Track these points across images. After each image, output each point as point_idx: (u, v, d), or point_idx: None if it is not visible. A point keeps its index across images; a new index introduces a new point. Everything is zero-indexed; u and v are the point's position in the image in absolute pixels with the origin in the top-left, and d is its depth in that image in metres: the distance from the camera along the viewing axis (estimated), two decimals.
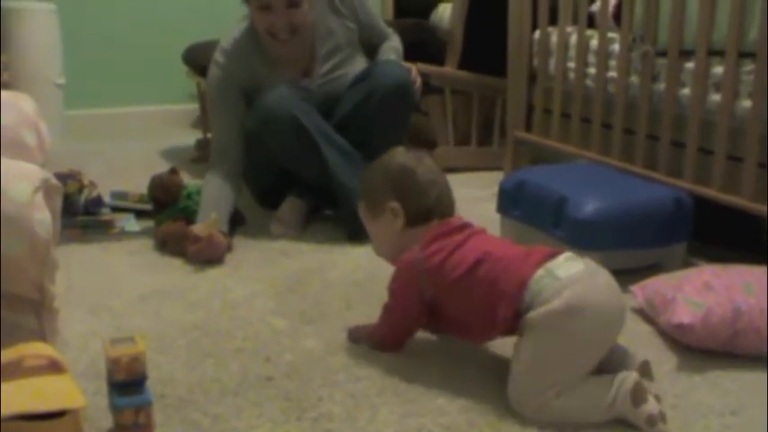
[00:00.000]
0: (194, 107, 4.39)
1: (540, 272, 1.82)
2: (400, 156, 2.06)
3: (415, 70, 3.08)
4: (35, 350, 1.63)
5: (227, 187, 2.88)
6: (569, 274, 1.81)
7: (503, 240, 2.02)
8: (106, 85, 4.52)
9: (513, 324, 1.84)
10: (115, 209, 3.02)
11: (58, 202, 1.91)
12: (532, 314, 1.79)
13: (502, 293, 1.84)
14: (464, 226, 2.01)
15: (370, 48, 3.17)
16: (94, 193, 2.95)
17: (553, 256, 1.87)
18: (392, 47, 3.20)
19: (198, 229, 2.66)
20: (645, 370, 1.85)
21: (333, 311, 2.31)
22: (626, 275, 2.43)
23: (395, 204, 2.01)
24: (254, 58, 3.00)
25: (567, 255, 1.88)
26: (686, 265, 2.55)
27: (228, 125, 2.99)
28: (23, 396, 1.51)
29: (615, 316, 1.83)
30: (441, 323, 2.03)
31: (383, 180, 2.04)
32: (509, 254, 1.89)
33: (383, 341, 2.07)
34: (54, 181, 1.87)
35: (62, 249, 2.61)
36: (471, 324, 1.93)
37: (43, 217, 1.76)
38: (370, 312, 2.11)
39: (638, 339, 2.18)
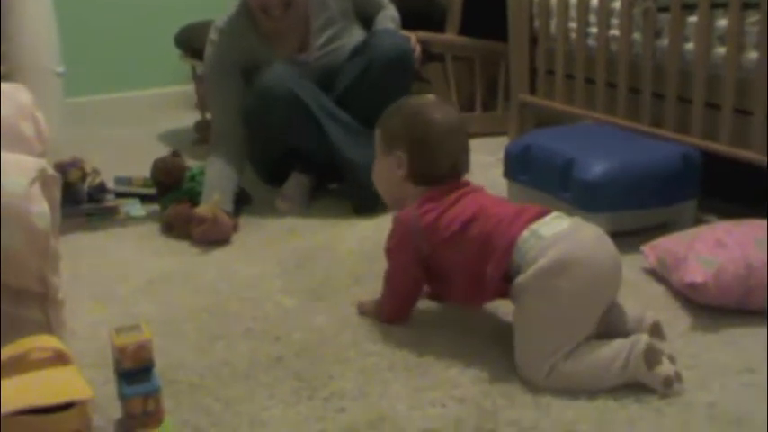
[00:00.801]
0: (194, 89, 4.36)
1: (526, 233, 1.81)
2: (429, 108, 2.02)
3: (414, 38, 3.05)
4: (40, 343, 1.61)
5: (230, 168, 2.86)
6: (554, 233, 1.80)
7: (498, 199, 2.00)
8: (104, 70, 4.49)
9: (504, 286, 1.83)
10: (119, 195, 3.00)
11: (57, 193, 1.89)
12: (521, 278, 1.78)
13: (491, 252, 1.83)
14: (461, 185, 2.00)
15: (366, 19, 3.13)
16: (98, 180, 2.93)
17: (542, 215, 1.85)
18: (389, 16, 3.16)
19: (202, 210, 2.65)
20: (656, 331, 1.83)
21: (342, 287, 2.30)
22: (637, 236, 2.42)
23: (402, 155, 1.99)
24: (249, 35, 2.97)
25: (555, 214, 1.87)
26: (697, 222, 2.53)
27: (228, 105, 2.97)
28: (30, 390, 1.49)
29: (606, 269, 1.81)
30: (437, 285, 2.03)
31: (403, 126, 2.01)
32: (501, 212, 1.88)
33: (389, 312, 2.06)
34: (51, 171, 1.85)
35: (67, 238, 2.63)
36: (463, 284, 1.92)
37: (41, 209, 1.74)
38: (378, 285, 2.09)
39: (651, 300, 2.16)
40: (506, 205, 1.95)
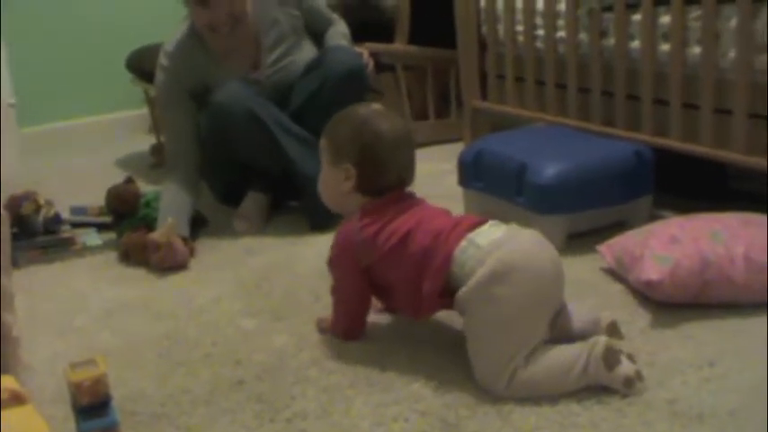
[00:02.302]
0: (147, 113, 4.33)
1: (464, 243, 1.82)
2: (376, 119, 2.01)
3: (366, 53, 3.06)
4: None
5: (185, 192, 2.84)
6: (490, 240, 1.81)
7: (439, 211, 1.99)
8: (56, 99, 4.44)
9: (447, 299, 1.83)
10: (75, 225, 2.96)
11: (6, 230, 1.86)
12: (463, 291, 1.79)
13: (428, 266, 1.83)
14: (404, 197, 2.00)
15: (316, 34, 3.13)
16: (52, 212, 2.89)
17: (479, 224, 1.86)
18: (339, 32, 3.16)
19: (156, 236, 2.63)
20: (614, 330, 1.85)
21: (301, 306, 2.29)
22: (593, 236, 2.43)
23: (350, 168, 1.98)
24: (199, 57, 2.95)
25: (492, 222, 1.88)
26: (653, 218, 2.54)
27: (180, 129, 2.95)
28: None
29: (546, 271, 1.81)
30: (382, 297, 2.04)
31: (351, 138, 1.99)
32: (438, 226, 1.88)
33: (341, 327, 2.06)
34: None
35: (24, 272, 2.62)
36: (405, 298, 1.93)
37: None
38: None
39: (610, 299, 2.18)
40: (446, 218, 1.95)
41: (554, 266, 1.82)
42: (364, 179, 1.98)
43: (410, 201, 2.00)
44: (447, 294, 1.83)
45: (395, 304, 2.04)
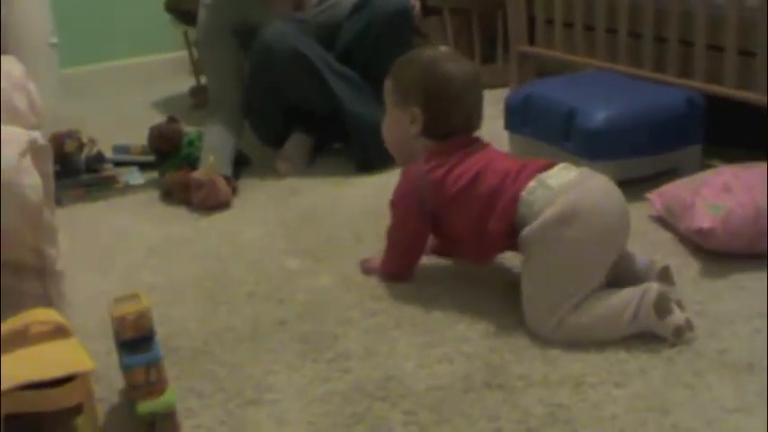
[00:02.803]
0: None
1: (533, 183, 1.79)
2: (444, 61, 1.96)
3: None
4: (39, 317, 1.58)
5: (228, 131, 2.82)
6: (561, 182, 1.77)
7: (505, 155, 1.97)
8: (96, 40, 4.42)
9: (511, 240, 1.81)
10: (118, 163, 2.97)
11: (49, 164, 1.85)
12: (528, 230, 1.76)
13: (495, 207, 1.81)
14: (471, 141, 1.97)
15: None
16: (95, 150, 2.90)
17: (549, 167, 1.82)
18: None
19: (199, 175, 2.62)
20: (666, 276, 1.81)
21: (345, 246, 2.27)
22: (642, 183, 2.39)
23: (417, 111, 1.95)
24: None
25: (562, 165, 1.84)
26: (704, 167, 2.47)
27: (223, 69, 2.94)
28: (30, 365, 1.47)
29: (615, 218, 1.78)
30: (444, 241, 2.01)
31: (418, 80, 1.95)
32: (506, 168, 1.85)
33: (392, 269, 2.04)
34: (42, 142, 1.81)
35: (67, 210, 2.62)
36: (470, 241, 1.90)
37: (33, 180, 1.71)
38: (382, 243, 2.06)
39: (659, 247, 2.14)
40: (513, 161, 1.91)
41: (622, 213, 1.79)
42: (431, 122, 1.94)
43: (477, 144, 1.96)
44: (513, 234, 1.80)
45: (457, 249, 2.00)
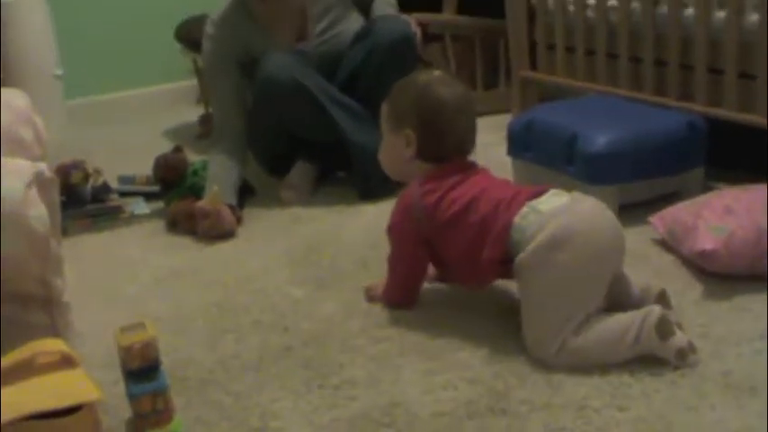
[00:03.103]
0: (195, 83, 4.33)
1: (525, 209, 1.80)
2: (438, 85, 2.00)
3: (414, 22, 3.02)
4: (46, 347, 1.59)
5: (232, 161, 2.84)
6: (552, 207, 1.79)
7: (500, 181, 1.98)
8: (104, 70, 4.46)
9: (506, 266, 1.81)
10: (123, 194, 2.99)
11: (55, 195, 1.87)
12: (522, 255, 1.77)
13: (488, 234, 1.82)
14: (466, 165, 1.99)
15: (362, 5, 3.10)
16: (100, 181, 2.92)
17: (540, 193, 1.84)
18: (387, 1, 3.14)
19: (204, 204, 2.63)
20: (663, 300, 1.81)
21: (349, 274, 2.28)
22: (645, 207, 2.40)
23: (411, 133, 1.97)
24: (246, 26, 2.94)
25: (554, 191, 1.86)
26: (705, 190, 2.49)
27: (227, 99, 2.96)
28: (37, 395, 1.48)
29: (607, 239, 1.79)
30: (440, 267, 2.03)
31: (413, 103, 1.99)
32: (500, 195, 1.86)
33: (395, 295, 2.05)
34: (48, 174, 1.83)
35: (73, 240, 2.63)
36: (464, 266, 1.91)
37: (39, 212, 1.73)
38: (385, 270, 2.07)
39: (662, 270, 2.14)
40: (507, 187, 1.93)
41: (615, 235, 1.80)
42: (425, 145, 1.98)
43: (472, 169, 1.99)
44: (507, 261, 1.81)
45: (453, 273, 2.02)
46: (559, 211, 1.78)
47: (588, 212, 1.80)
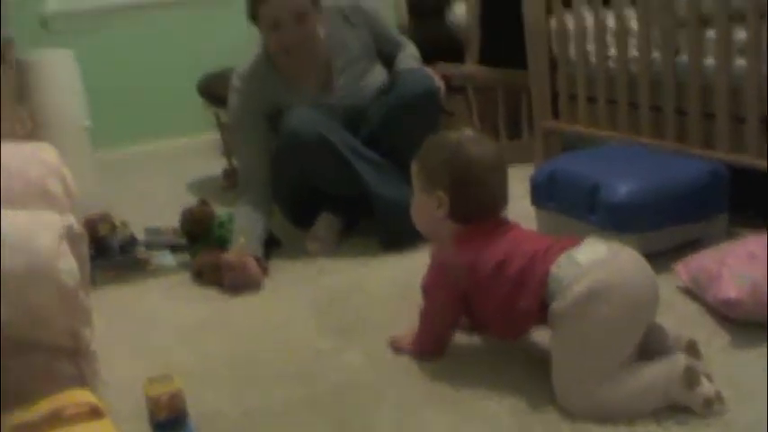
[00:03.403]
0: (218, 137, 4.38)
1: (562, 258, 1.80)
2: (469, 144, 1.98)
3: (438, 74, 3.05)
4: (74, 398, 1.61)
5: (258, 213, 2.87)
6: (590, 258, 1.78)
7: (533, 234, 1.99)
8: (129, 123, 4.54)
9: (541, 316, 1.81)
10: (150, 246, 3.01)
11: (84, 248, 1.90)
12: (556, 305, 1.77)
13: (525, 286, 1.82)
14: (498, 223, 1.99)
15: (386, 58, 3.13)
16: (128, 233, 2.95)
17: (575, 244, 1.83)
18: (410, 54, 3.17)
19: (230, 256, 2.66)
20: (693, 350, 1.80)
21: (374, 325, 2.29)
22: (668, 255, 2.39)
23: (443, 195, 1.97)
24: (271, 80, 2.98)
25: (591, 240, 1.85)
26: (729, 237, 2.49)
27: (252, 151, 2.98)
28: None
29: (644, 294, 1.79)
30: (472, 319, 2.02)
31: (444, 164, 1.97)
32: (535, 247, 1.86)
33: (425, 347, 2.05)
34: (78, 228, 1.86)
35: (100, 292, 2.65)
36: (501, 320, 1.91)
37: (69, 265, 1.75)
38: (411, 321, 2.08)
39: (686, 318, 2.14)
40: (541, 239, 1.93)
41: (651, 288, 1.80)
42: (457, 207, 1.97)
43: (504, 226, 1.98)
44: (542, 309, 1.81)
45: (488, 326, 2.01)
46: (598, 263, 1.78)
47: (626, 265, 1.80)
